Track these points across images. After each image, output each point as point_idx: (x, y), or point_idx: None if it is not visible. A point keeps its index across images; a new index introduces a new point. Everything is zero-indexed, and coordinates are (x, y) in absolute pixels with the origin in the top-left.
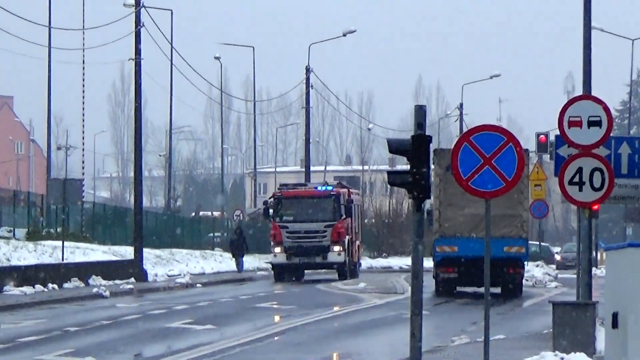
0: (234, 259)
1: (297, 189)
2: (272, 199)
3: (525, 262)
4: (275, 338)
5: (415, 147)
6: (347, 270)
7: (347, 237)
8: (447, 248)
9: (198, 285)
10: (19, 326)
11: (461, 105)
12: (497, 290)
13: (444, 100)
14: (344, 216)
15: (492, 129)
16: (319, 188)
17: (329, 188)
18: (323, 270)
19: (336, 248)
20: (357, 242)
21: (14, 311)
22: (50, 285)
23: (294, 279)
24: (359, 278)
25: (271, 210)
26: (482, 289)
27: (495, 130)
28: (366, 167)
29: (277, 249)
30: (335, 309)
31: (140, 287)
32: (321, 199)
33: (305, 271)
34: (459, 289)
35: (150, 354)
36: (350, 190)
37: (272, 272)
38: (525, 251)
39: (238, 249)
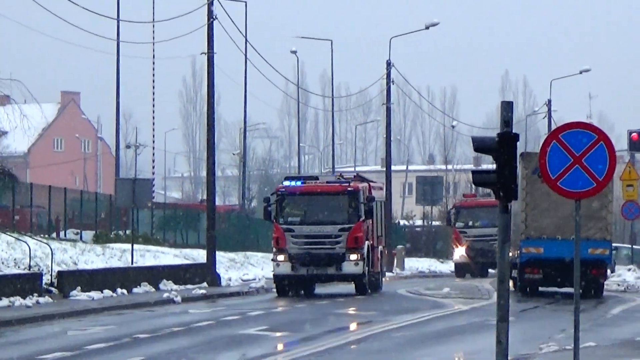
0: None
1: (305, 184)
2: (274, 196)
3: (609, 264)
4: (353, 346)
5: (501, 145)
6: (366, 283)
7: (366, 243)
8: (532, 249)
9: (274, 289)
10: (86, 333)
11: (549, 101)
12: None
13: (532, 96)
14: (364, 217)
15: (582, 127)
16: (332, 182)
17: (345, 183)
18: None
19: (353, 257)
20: (380, 248)
21: (81, 317)
22: (119, 290)
23: (302, 292)
24: (381, 291)
25: (273, 210)
26: (563, 290)
27: (586, 127)
28: (450, 167)
29: (280, 257)
30: (418, 315)
31: (213, 292)
32: (335, 196)
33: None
34: (541, 289)
35: None
36: (372, 184)
37: (274, 285)
38: (609, 253)
39: None
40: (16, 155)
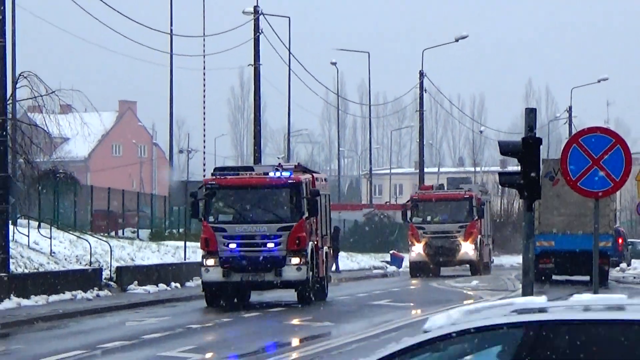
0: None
1: (239, 176)
2: (202, 190)
3: (612, 255)
4: (391, 335)
5: (526, 149)
6: (311, 291)
7: (310, 244)
8: (545, 243)
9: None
10: (142, 324)
11: (570, 108)
12: (586, 278)
13: (554, 103)
14: (307, 214)
15: (600, 131)
16: (271, 174)
17: (285, 174)
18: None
19: (295, 260)
20: (325, 249)
21: (138, 309)
22: (172, 284)
23: (236, 301)
24: (327, 300)
25: (202, 206)
26: (574, 277)
27: (604, 132)
28: (478, 168)
29: (210, 262)
30: (450, 306)
31: None
32: (273, 190)
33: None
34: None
35: (271, 349)
36: (315, 175)
37: (204, 293)
38: (611, 245)
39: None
40: (77, 160)
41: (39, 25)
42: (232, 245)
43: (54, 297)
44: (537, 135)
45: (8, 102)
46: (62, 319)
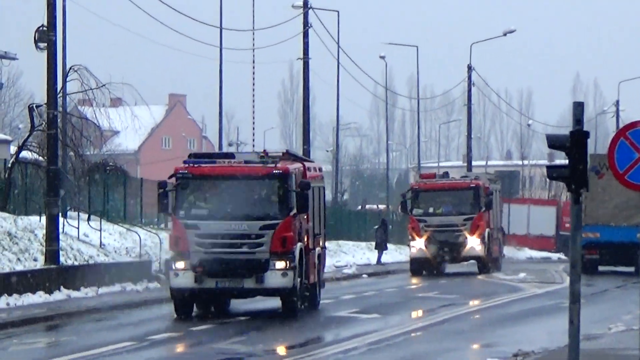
0: (375, 251)
1: (217, 164)
2: (174, 179)
3: None
4: (439, 327)
5: (573, 142)
6: (297, 300)
7: (298, 245)
8: (590, 234)
9: (364, 275)
10: (191, 316)
11: (617, 102)
12: (631, 269)
13: (601, 97)
14: (295, 210)
15: None
16: (252, 163)
17: (270, 162)
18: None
19: (280, 264)
20: (318, 250)
21: None
22: None
23: (212, 310)
24: (319, 309)
25: (172, 198)
26: (619, 268)
27: None
28: (526, 162)
29: (180, 264)
30: (497, 298)
31: None
32: (256, 182)
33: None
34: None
35: (318, 341)
36: (307, 164)
37: (172, 301)
38: None
39: (380, 242)
40: (127, 153)
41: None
42: (206, 246)
43: (103, 289)
44: (584, 129)
45: (58, 96)
46: (111, 310)
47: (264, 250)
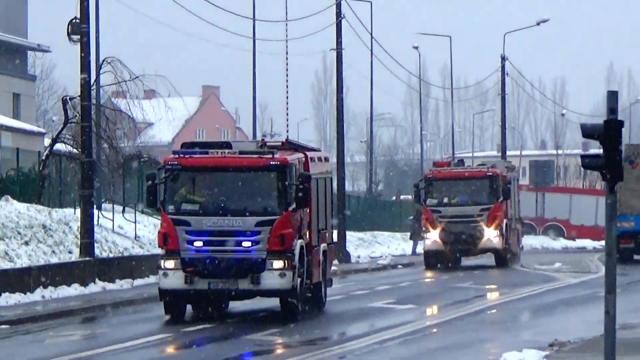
0: (411, 241)
1: (210, 155)
2: (164, 169)
3: None
4: (474, 317)
5: (607, 131)
6: (298, 302)
7: (299, 242)
8: (625, 224)
9: (399, 266)
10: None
11: None
12: None
13: (635, 86)
14: (295, 205)
15: None
16: (248, 153)
17: (267, 152)
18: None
19: (277, 264)
20: (323, 247)
21: None
22: None
23: (201, 315)
24: (324, 310)
25: (162, 192)
26: None
27: None
28: (560, 151)
29: (169, 264)
30: (532, 288)
31: (343, 268)
32: (252, 174)
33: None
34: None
35: (354, 332)
36: (310, 154)
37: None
38: None
39: (415, 232)
40: (161, 145)
41: (122, 10)
42: (198, 244)
43: (138, 281)
44: (619, 118)
45: (92, 88)
46: (146, 302)
47: (261, 249)
